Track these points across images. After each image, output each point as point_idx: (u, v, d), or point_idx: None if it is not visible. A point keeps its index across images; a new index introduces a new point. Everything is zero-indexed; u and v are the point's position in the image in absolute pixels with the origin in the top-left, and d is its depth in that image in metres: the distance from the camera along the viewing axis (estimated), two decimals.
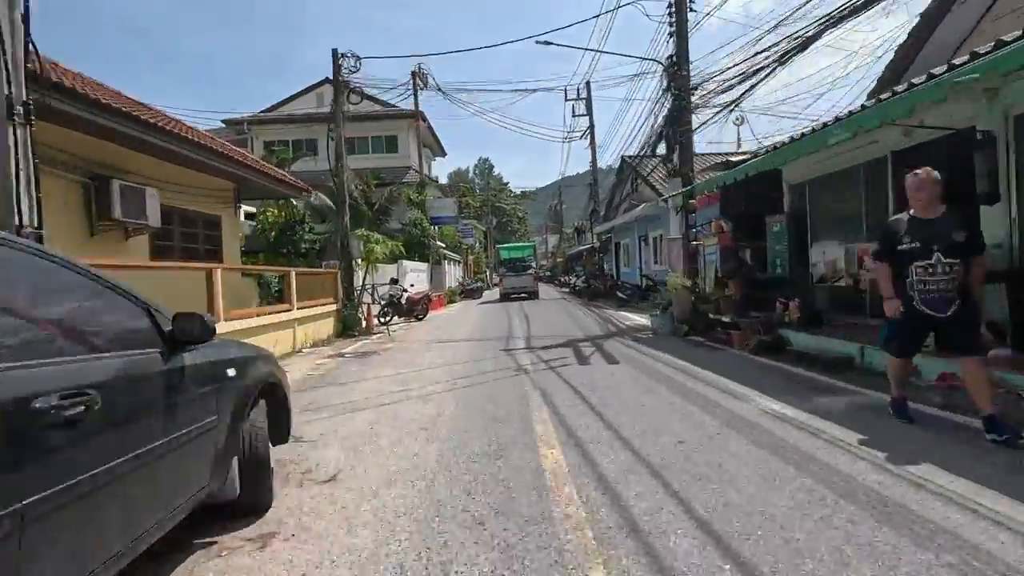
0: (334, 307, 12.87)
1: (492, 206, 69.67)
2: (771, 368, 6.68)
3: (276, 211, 18.79)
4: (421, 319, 16.67)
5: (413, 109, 27.37)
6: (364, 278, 13.70)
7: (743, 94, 9.56)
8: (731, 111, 10.27)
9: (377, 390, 6.39)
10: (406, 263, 21.29)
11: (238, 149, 11.21)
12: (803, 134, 7.48)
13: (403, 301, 16.32)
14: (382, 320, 15.58)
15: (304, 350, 10.44)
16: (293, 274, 10.43)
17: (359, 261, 14.18)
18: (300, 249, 17.99)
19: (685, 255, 12.65)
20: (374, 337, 12.60)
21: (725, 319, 8.60)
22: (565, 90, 30.02)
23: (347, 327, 13.11)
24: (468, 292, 31.10)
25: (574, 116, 29.28)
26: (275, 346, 9.27)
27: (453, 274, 34.19)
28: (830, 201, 8.19)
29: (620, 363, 7.43)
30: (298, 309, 10.52)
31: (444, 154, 37.66)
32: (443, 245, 31.38)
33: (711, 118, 11.09)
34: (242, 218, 17.96)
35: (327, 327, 12.37)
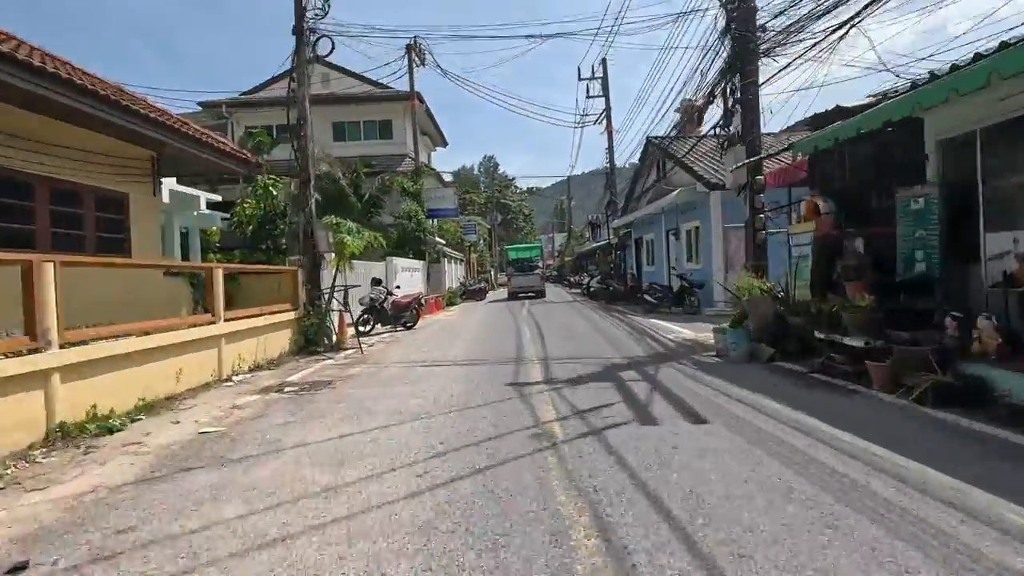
0: (292, 315, 9.97)
1: (497, 202, 66.86)
2: (1000, 444, 3.70)
3: (254, 202, 16.25)
4: (410, 327, 13.78)
5: (408, 90, 24.59)
6: (334, 278, 10.81)
7: (868, 4, 6.49)
8: (841, 37, 7.20)
9: (277, 489, 3.45)
10: (397, 260, 18.41)
11: (155, 105, 8.33)
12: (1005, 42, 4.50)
13: (388, 306, 13.42)
14: (361, 329, 12.68)
15: (236, 377, 7.53)
16: (219, 273, 7.50)
17: (331, 257, 11.26)
18: (280, 244, 15.33)
19: (749, 248, 9.69)
20: (342, 355, 9.69)
21: (851, 342, 5.63)
22: (579, 69, 27.06)
23: (310, 341, 10.21)
24: (470, 293, 28.19)
25: (588, 97, 26.29)
26: (178, 377, 6.36)
27: (454, 273, 31.29)
28: None
29: (710, 422, 4.46)
30: (227, 321, 7.60)
31: (445, 144, 34.72)
32: (443, 242, 28.47)
33: (800, 56, 8.04)
34: (203, 207, 15.28)
35: (281, 341, 9.47)
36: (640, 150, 22.03)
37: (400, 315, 13.42)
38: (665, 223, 18.54)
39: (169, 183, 12.82)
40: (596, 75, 25.98)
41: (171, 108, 10.38)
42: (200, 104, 26.09)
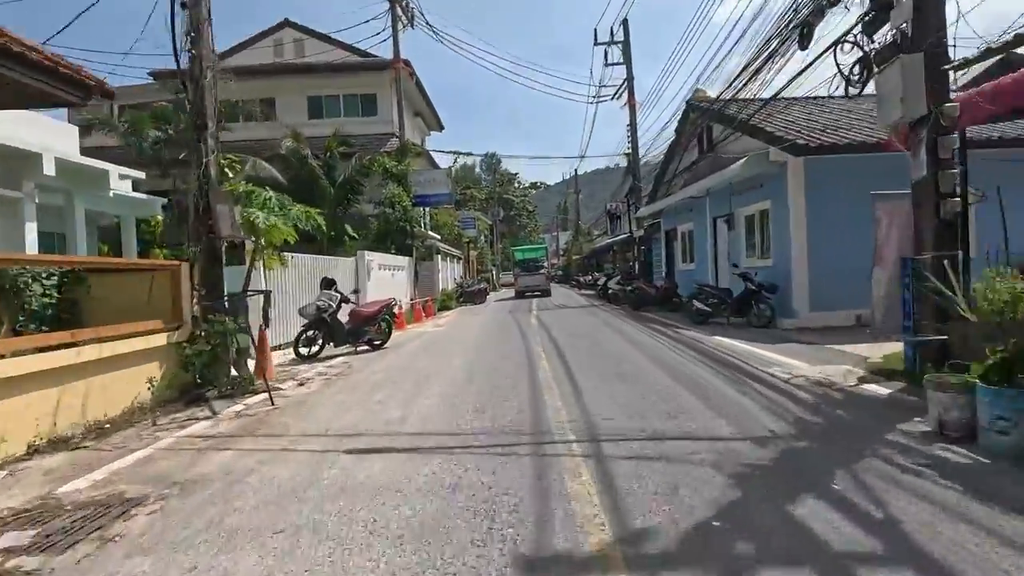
0: (164, 338, 6.10)
1: (499, 198, 62.98)
2: None
3: None
4: (379, 346, 9.89)
5: (394, 57, 20.72)
6: (247, 276, 7.00)
7: None
8: None
9: None
10: (371, 256, 14.52)
11: None
12: None
13: (344, 319, 9.57)
14: (302, 352, 8.84)
15: None
16: None
17: (256, 246, 7.39)
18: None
19: (926, 227, 5.78)
20: (241, 406, 5.81)
21: None
22: (595, 31, 23.16)
23: (205, 378, 6.35)
24: (468, 295, 24.30)
25: (606, 65, 22.35)
26: None
27: (449, 273, 27.42)
28: None
29: None
30: None
31: (441, 127, 30.89)
32: (436, 236, 24.60)
33: None
34: (117, 185, 11.60)
35: (135, 385, 5.61)
36: (653, 152, 18.15)
37: (361, 330, 9.53)
38: (711, 208, 14.62)
39: (56, 150, 9.16)
40: (616, 39, 22.08)
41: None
42: (151, 74, 22.14)
